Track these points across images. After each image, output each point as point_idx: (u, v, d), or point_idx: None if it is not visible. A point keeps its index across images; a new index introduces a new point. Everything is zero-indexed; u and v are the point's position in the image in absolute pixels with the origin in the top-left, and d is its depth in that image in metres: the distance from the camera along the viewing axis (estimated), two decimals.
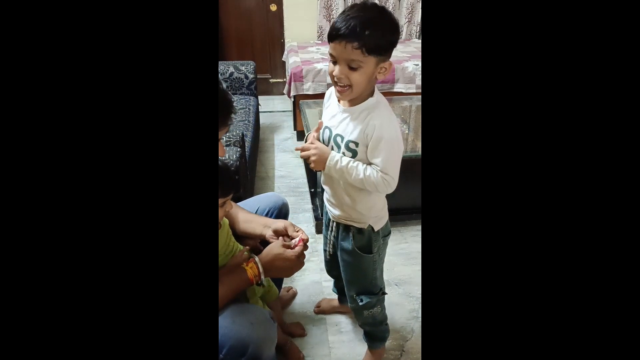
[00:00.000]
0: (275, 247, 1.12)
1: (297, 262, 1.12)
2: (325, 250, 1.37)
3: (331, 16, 3.59)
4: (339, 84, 0.98)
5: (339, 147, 1.06)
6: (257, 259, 1.09)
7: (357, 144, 1.02)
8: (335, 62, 0.96)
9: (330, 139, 1.08)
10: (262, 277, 1.08)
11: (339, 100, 1.08)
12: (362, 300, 1.26)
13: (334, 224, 1.21)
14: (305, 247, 1.15)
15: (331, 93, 1.12)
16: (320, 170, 1.09)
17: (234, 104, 1.00)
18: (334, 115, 1.08)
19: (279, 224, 1.22)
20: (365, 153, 1.02)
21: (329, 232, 1.25)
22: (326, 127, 1.10)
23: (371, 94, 1.03)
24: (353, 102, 1.04)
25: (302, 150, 1.09)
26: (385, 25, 0.94)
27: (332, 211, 1.19)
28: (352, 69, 0.95)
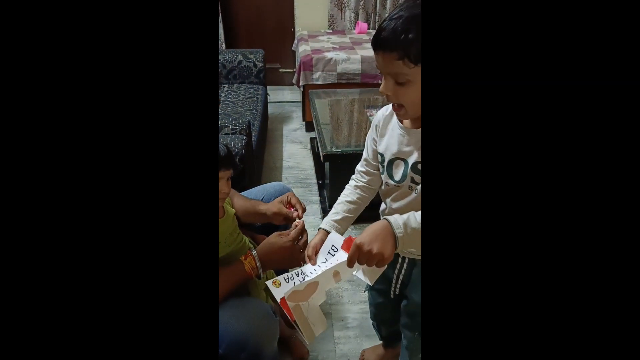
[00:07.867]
0: (270, 237, 1.04)
1: (294, 249, 1.01)
2: (371, 291, 1.19)
3: (343, 4, 3.51)
4: (389, 101, 0.79)
5: None
6: (254, 252, 1.03)
7: None
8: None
9: (406, 172, 0.85)
10: (260, 271, 1.02)
11: (401, 121, 0.86)
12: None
13: (406, 261, 0.99)
14: (304, 231, 1.05)
15: (383, 114, 0.92)
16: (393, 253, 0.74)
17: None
18: (401, 142, 0.86)
19: (283, 198, 1.15)
20: None
21: (396, 272, 1.02)
22: (396, 158, 0.87)
23: None
24: (418, 122, 0.81)
25: (350, 260, 0.75)
26: None
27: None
28: (399, 84, 0.74)
